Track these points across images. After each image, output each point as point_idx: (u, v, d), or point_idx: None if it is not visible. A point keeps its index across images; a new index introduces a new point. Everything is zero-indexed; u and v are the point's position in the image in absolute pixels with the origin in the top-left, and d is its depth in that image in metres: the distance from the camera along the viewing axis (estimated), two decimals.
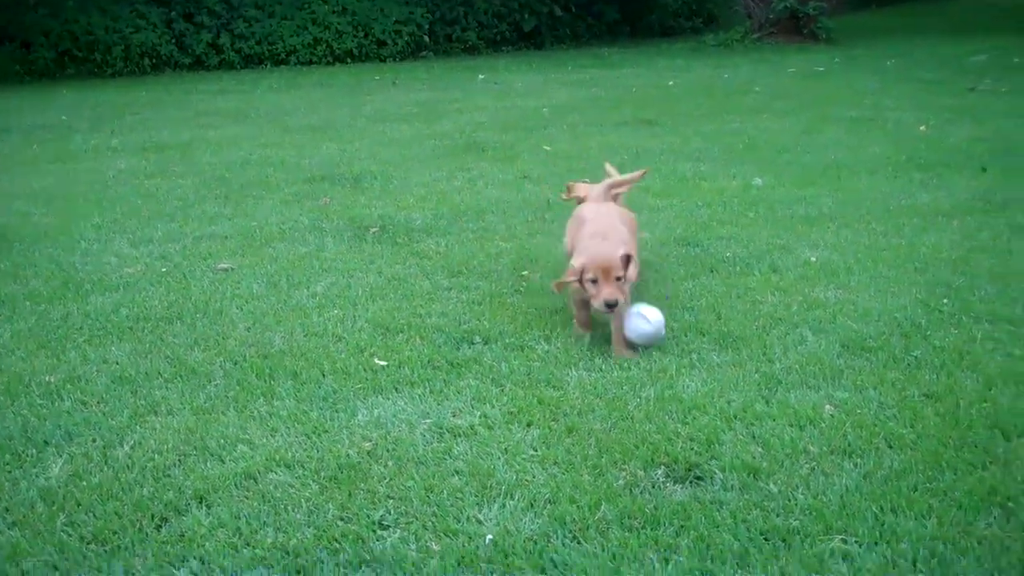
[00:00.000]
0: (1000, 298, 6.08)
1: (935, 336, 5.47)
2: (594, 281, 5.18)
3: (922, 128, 13.11)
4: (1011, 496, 3.78)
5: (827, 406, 4.59)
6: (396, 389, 4.92)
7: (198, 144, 13.19)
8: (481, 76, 21.73)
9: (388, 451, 4.25)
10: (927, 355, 5.20)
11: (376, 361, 5.26)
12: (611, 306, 5.13)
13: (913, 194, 9.30)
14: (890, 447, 4.21)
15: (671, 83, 19.45)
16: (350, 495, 3.90)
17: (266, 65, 25.14)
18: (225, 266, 7.15)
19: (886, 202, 8.98)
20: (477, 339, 5.57)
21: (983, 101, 15.81)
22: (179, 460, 4.21)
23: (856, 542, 3.50)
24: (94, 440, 4.41)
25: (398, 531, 3.64)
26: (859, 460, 4.09)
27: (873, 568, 3.34)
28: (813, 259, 7.04)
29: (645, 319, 5.32)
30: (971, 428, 4.34)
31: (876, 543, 3.49)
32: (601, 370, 5.10)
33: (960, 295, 6.16)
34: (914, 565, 3.37)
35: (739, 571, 3.36)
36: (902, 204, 8.88)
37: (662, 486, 3.93)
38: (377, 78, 22.01)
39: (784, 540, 3.52)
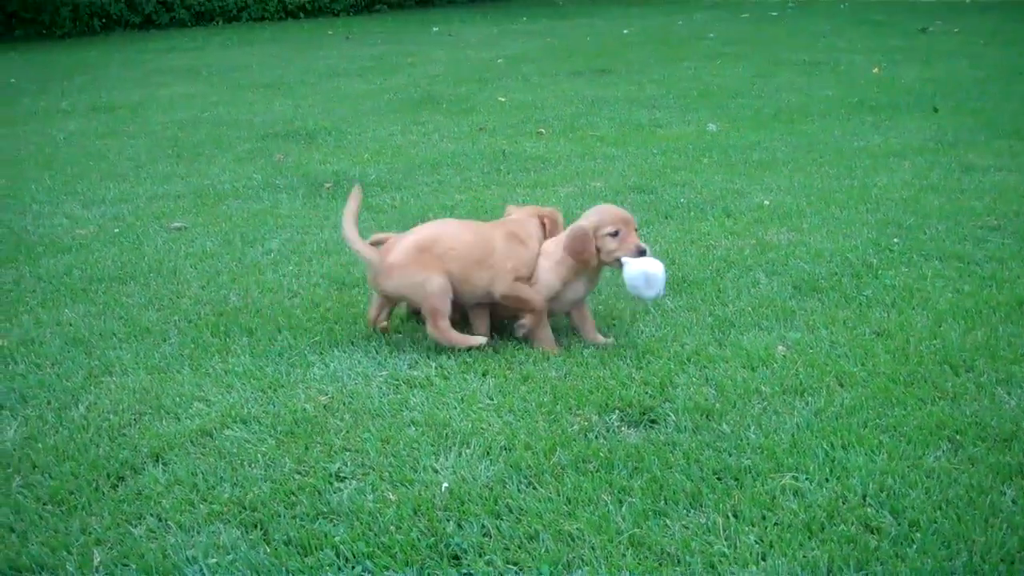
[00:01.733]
0: (950, 236, 6.15)
1: (886, 275, 5.53)
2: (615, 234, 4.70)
3: (875, 70, 13.17)
4: (959, 429, 3.83)
5: (779, 347, 4.64)
6: (352, 343, 4.91)
7: (149, 103, 13.05)
8: (435, 28, 21.59)
9: (344, 404, 4.26)
10: (878, 293, 5.26)
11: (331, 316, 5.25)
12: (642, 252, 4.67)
13: (865, 136, 9.37)
14: (841, 385, 4.26)
15: (626, 31, 19.41)
16: (307, 448, 3.90)
17: (217, 22, 24.90)
18: (178, 225, 7.10)
19: (838, 144, 9.04)
20: None
21: (934, 41, 15.90)
22: (135, 419, 4.20)
23: (807, 479, 3.55)
24: (49, 402, 4.38)
25: (355, 482, 3.65)
26: (810, 398, 4.14)
27: (823, 503, 3.38)
28: (766, 203, 7.08)
29: (647, 284, 4.69)
30: (921, 364, 4.40)
31: (827, 479, 3.54)
32: (556, 319, 5.10)
33: (911, 234, 6.22)
34: (864, 499, 3.42)
35: (692, 510, 3.39)
36: (854, 146, 8.95)
37: (616, 430, 3.96)
38: (330, 33, 21.83)
39: (736, 479, 3.56)
